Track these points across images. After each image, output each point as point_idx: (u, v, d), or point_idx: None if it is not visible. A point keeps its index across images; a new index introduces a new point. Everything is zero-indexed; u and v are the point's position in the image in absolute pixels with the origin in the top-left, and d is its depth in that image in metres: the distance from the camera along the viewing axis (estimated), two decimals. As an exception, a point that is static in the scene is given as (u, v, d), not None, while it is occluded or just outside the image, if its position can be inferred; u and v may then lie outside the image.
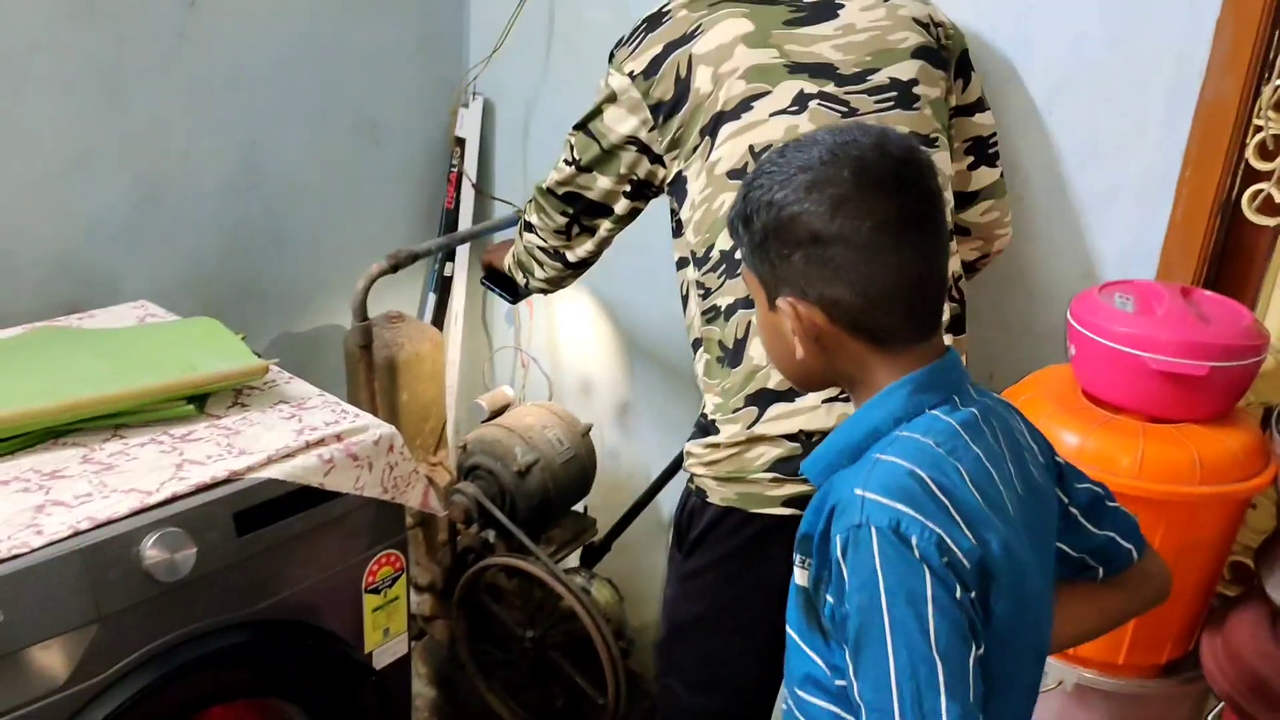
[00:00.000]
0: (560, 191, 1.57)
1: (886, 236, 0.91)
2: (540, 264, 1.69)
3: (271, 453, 1.31)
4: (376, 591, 1.45)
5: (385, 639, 1.49)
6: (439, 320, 2.44)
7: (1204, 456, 1.29)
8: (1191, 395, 1.33)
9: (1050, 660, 1.41)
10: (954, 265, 1.43)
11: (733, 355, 1.35)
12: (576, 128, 1.51)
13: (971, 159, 1.52)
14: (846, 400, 1.28)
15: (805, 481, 1.28)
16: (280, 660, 1.34)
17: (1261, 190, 1.45)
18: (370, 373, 2.00)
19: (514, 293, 1.90)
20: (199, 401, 1.40)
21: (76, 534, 1.14)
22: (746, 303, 1.33)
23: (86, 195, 1.85)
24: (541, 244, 1.65)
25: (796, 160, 0.94)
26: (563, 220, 1.59)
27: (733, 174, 1.35)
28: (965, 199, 1.53)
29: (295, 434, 1.36)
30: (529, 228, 1.67)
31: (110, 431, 1.34)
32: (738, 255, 1.33)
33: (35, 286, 1.82)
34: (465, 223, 2.38)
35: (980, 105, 1.52)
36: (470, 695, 2.21)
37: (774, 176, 0.94)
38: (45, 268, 1.83)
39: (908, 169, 0.93)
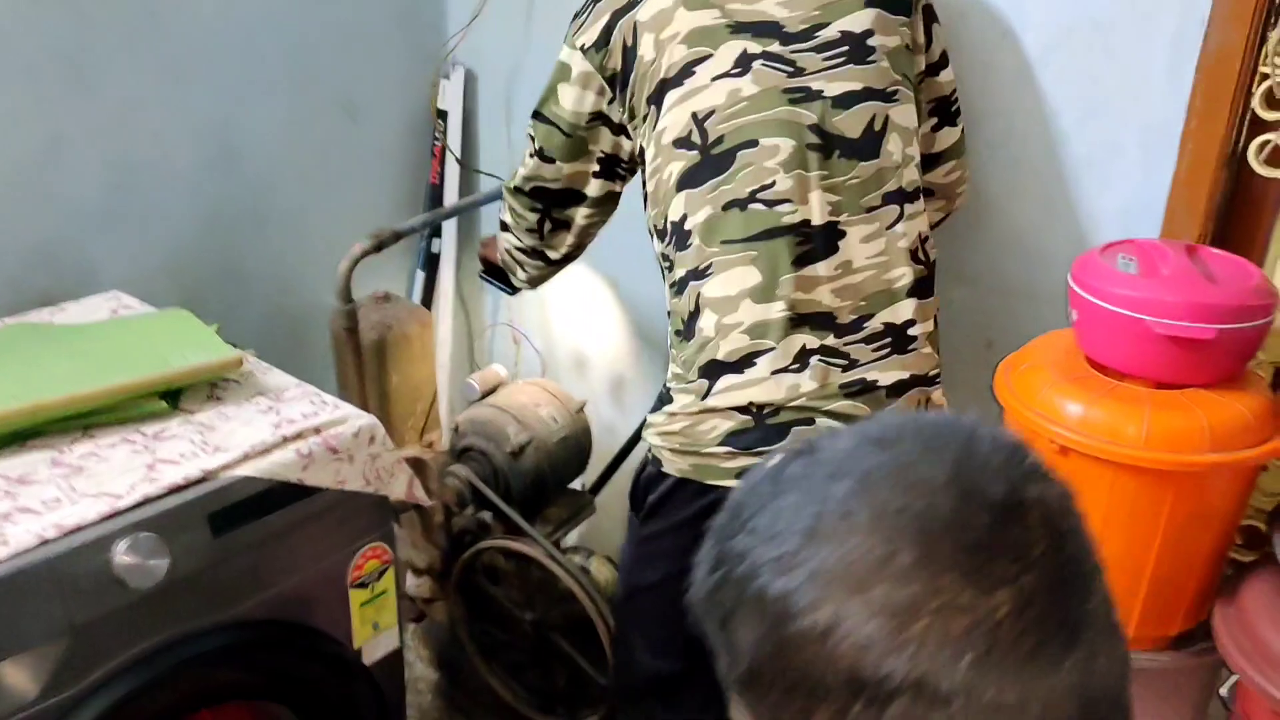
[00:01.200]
0: (527, 187, 1.51)
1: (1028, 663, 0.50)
2: (520, 264, 1.65)
3: (247, 449, 1.27)
4: (363, 586, 1.42)
5: (375, 633, 1.46)
6: (428, 298, 2.40)
7: (1213, 423, 1.24)
8: (1199, 359, 1.28)
9: (1058, 636, 1.38)
10: (922, 226, 1.38)
11: (687, 327, 1.33)
12: (534, 115, 1.46)
13: (935, 120, 1.47)
14: (798, 371, 1.27)
15: (758, 454, 1.27)
16: (266, 661, 1.31)
17: (1269, 141, 1.39)
18: (358, 355, 1.97)
19: (513, 285, 1.85)
20: (172, 397, 1.36)
21: (44, 543, 1.10)
22: (697, 274, 1.31)
23: (57, 183, 1.80)
24: (518, 244, 1.61)
25: (807, 512, 0.53)
26: (534, 217, 1.54)
27: (678, 143, 1.32)
28: (929, 160, 1.48)
29: (272, 428, 1.32)
30: (504, 227, 1.62)
31: (80, 432, 1.30)
32: (686, 226, 1.31)
33: (9, 279, 1.76)
34: (451, 198, 2.32)
35: (944, 62, 1.46)
36: (473, 676, 2.19)
37: (768, 544, 0.54)
38: (18, 259, 1.78)
39: (1030, 529, 0.53)
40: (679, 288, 1.34)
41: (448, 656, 2.30)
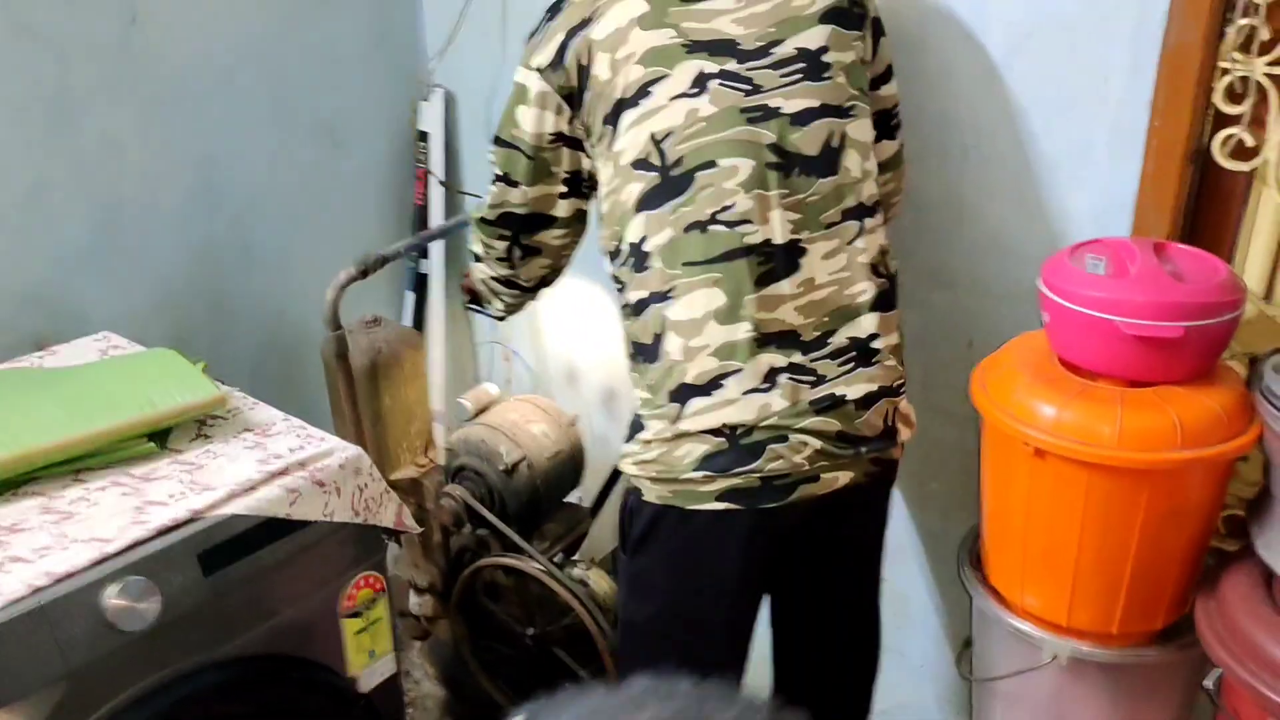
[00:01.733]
0: (493, 215, 1.51)
1: None
2: (496, 294, 1.66)
3: (234, 487, 1.29)
4: (357, 615, 1.43)
5: (371, 660, 1.48)
6: (419, 319, 2.41)
7: (1185, 420, 1.26)
8: (1169, 357, 1.29)
9: (1042, 634, 1.40)
10: (881, 240, 1.39)
11: (650, 351, 1.33)
12: (495, 142, 1.46)
13: (875, 133, 1.46)
14: (767, 390, 1.28)
15: (737, 476, 1.28)
16: (262, 695, 1.33)
17: (1232, 135, 1.40)
18: (349, 381, 1.97)
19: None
20: (160, 437, 1.38)
21: (36, 591, 1.12)
22: (659, 297, 1.31)
23: (43, 226, 1.82)
24: (492, 274, 1.61)
25: None
26: (503, 245, 1.54)
27: (636, 164, 1.32)
28: None
29: (258, 464, 1.33)
30: (476, 258, 1.62)
31: (71, 477, 1.32)
32: (645, 248, 1.32)
33: (0, 323, 1.79)
34: (436, 219, 2.34)
35: (887, 76, 1.47)
36: (478, 692, 2.21)
37: None
38: (8, 303, 1.80)
39: None
40: (637, 309, 1.34)
41: (452, 673, 2.31)
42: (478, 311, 1.90)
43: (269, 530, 1.29)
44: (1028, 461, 1.33)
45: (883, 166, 1.49)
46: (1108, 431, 1.26)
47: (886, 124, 1.47)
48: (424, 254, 2.38)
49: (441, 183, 2.31)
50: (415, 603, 2.16)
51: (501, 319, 1.88)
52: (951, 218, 1.67)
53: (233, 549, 1.26)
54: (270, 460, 1.34)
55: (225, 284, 2.11)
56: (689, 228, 1.30)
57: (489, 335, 2.49)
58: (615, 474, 2.11)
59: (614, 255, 1.38)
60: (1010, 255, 1.64)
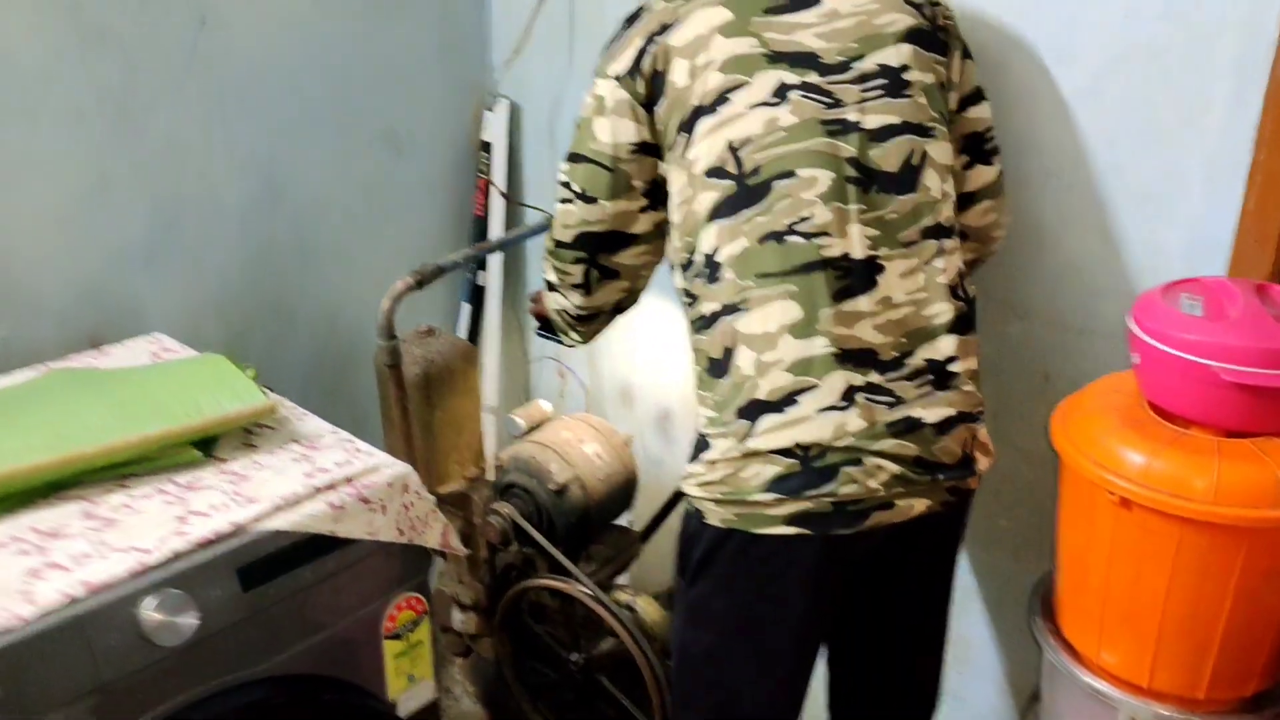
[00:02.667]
0: (568, 237, 1.44)
1: None
2: (571, 326, 1.59)
3: (278, 501, 1.25)
4: (398, 638, 1.39)
5: (410, 685, 1.43)
6: (474, 331, 2.38)
7: (1287, 475, 1.17)
8: (1271, 406, 1.21)
9: (1120, 695, 1.32)
10: (959, 263, 1.33)
11: (719, 366, 1.28)
12: (570, 159, 1.41)
13: (966, 158, 1.41)
14: (844, 409, 1.22)
15: (809, 499, 1.22)
16: (297, 716, 1.29)
17: (1344, 172, 1.31)
18: (401, 391, 1.94)
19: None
20: (206, 446, 1.35)
21: (72, 602, 1.09)
22: (731, 309, 1.26)
23: (105, 223, 1.81)
24: (565, 304, 1.54)
25: None
26: (579, 270, 1.46)
27: (711, 172, 1.28)
28: (961, 200, 1.42)
29: (304, 478, 1.30)
30: (550, 287, 1.56)
31: (115, 482, 1.29)
32: (718, 258, 1.27)
33: (57, 318, 1.78)
34: (495, 231, 2.31)
35: (975, 98, 1.41)
36: (520, 715, 2.16)
37: None
38: (67, 299, 1.79)
39: None
40: (707, 323, 1.30)
41: (493, 693, 2.27)
42: (548, 337, 1.85)
43: (311, 547, 1.25)
44: (1112, 511, 1.25)
45: (981, 194, 1.43)
46: (1202, 484, 1.18)
47: (980, 148, 1.42)
48: (482, 266, 2.34)
49: (503, 194, 2.28)
50: (459, 619, 2.12)
51: (571, 346, 1.83)
52: (1030, 246, 1.60)
53: (273, 565, 1.23)
54: (316, 474, 1.31)
55: (281, 288, 2.09)
56: (765, 238, 1.25)
57: (544, 352, 2.45)
58: (672, 499, 2.06)
59: (685, 267, 1.34)
60: (1091, 289, 1.57)
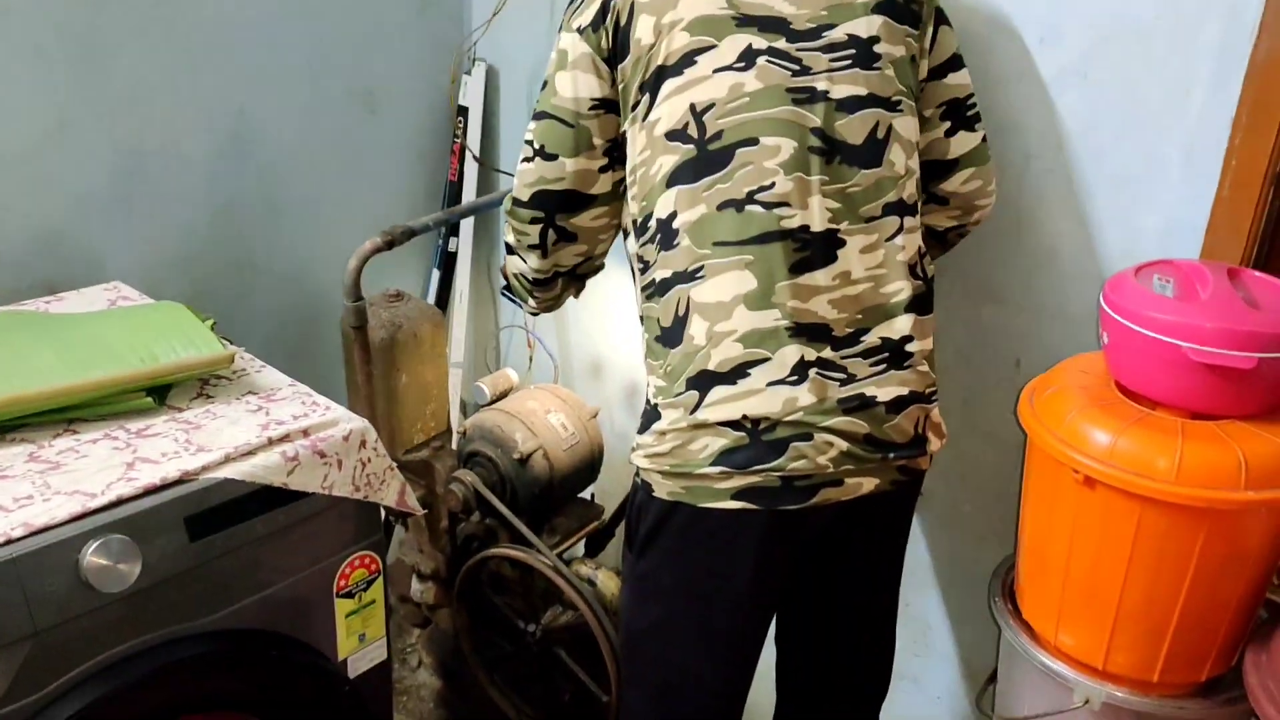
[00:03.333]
0: (527, 195, 1.40)
1: None
2: (529, 291, 1.56)
3: (230, 450, 1.22)
4: (350, 596, 1.36)
5: (361, 645, 1.40)
6: (443, 297, 2.35)
7: (1250, 458, 1.16)
8: (1237, 389, 1.20)
9: (1075, 676, 1.31)
10: (920, 242, 1.32)
11: (670, 334, 1.26)
12: (534, 117, 1.38)
13: (949, 124, 1.39)
14: (795, 384, 1.20)
15: (756, 473, 1.20)
16: (243, 672, 1.26)
17: (1320, 160, 1.31)
18: (366, 354, 1.91)
19: None
20: (159, 393, 1.31)
21: (8, 542, 1.05)
22: (685, 277, 1.24)
23: (65, 168, 1.76)
24: (523, 266, 1.50)
25: None
26: (536, 230, 1.43)
27: (672, 135, 1.25)
28: (944, 167, 1.40)
29: (259, 429, 1.27)
30: (509, 249, 1.53)
31: (63, 426, 1.25)
32: (675, 224, 1.24)
33: (12, 265, 1.73)
34: (469, 196, 2.27)
35: (954, 64, 1.38)
36: (477, 686, 2.14)
37: None
38: (23, 245, 1.74)
39: None
40: (659, 290, 1.27)
41: (450, 664, 2.25)
42: (512, 299, 1.82)
43: (263, 499, 1.22)
44: (1075, 490, 1.24)
45: (964, 161, 1.41)
46: (1165, 464, 1.17)
47: (961, 114, 1.39)
48: (453, 231, 2.31)
49: (476, 159, 2.24)
50: (418, 589, 2.10)
51: (535, 314, 1.81)
52: (1007, 229, 1.59)
53: (223, 515, 1.20)
54: (271, 425, 1.28)
55: (247, 244, 2.05)
56: (723, 205, 1.23)
57: (514, 321, 2.42)
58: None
59: (639, 231, 1.31)
60: (1067, 273, 1.56)
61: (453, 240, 2.32)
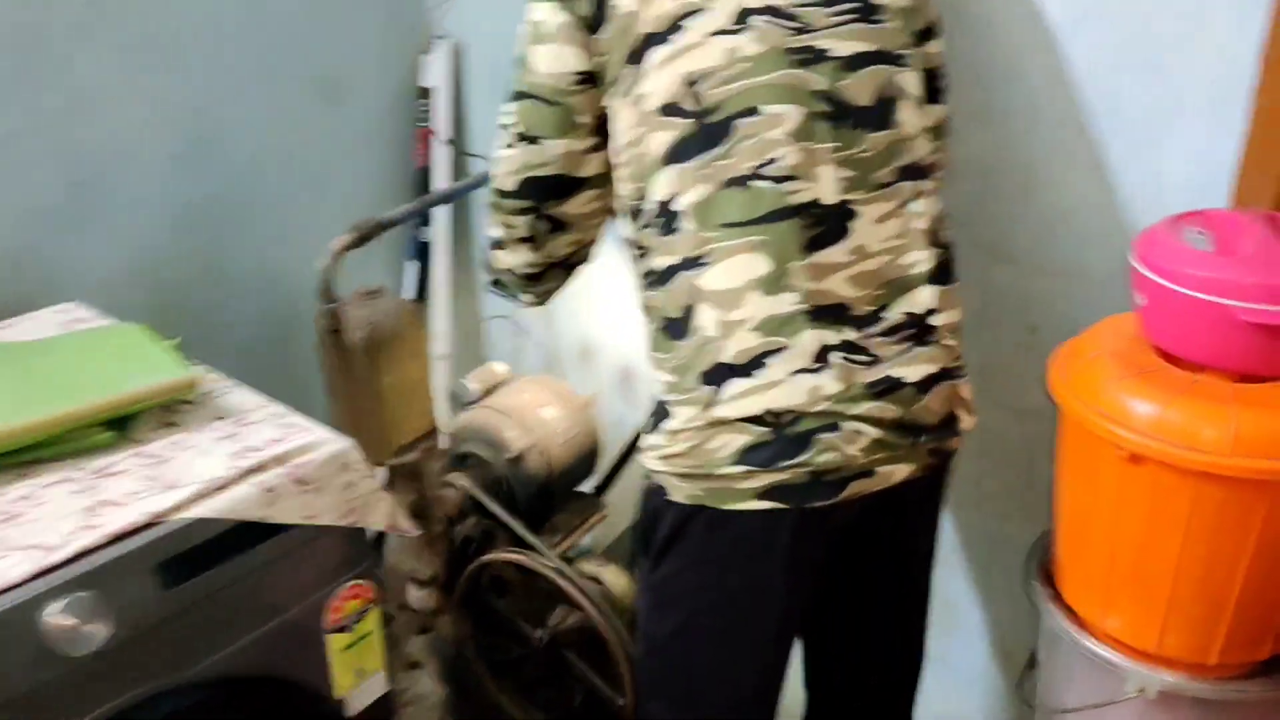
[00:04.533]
0: (512, 185, 1.30)
1: None
2: (521, 286, 1.46)
3: (201, 486, 1.11)
4: (344, 630, 1.27)
5: (359, 680, 1.31)
6: (422, 291, 2.24)
7: (1311, 422, 1.08)
8: (1289, 348, 1.11)
9: (1127, 663, 1.23)
10: (938, 205, 1.22)
11: (677, 326, 1.17)
12: (510, 99, 1.28)
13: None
14: (818, 371, 1.12)
15: (783, 470, 1.12)
16: (230, 723, 1.16)
17: (1358, 92, 1.21)
18: (344, 357, 1.82)
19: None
20: (120, 425, 1.20)
21: (-41, 610, 0.95)
22: (691, 264, 1.14)
23: (10, 184, 1.64)
24: (513, 262, 1.40)
25: None
26: (524, 221, 1.33)
27: (665, 109, 1.15)
28: None
29: (231, 458, 1.16)
30: (496, 245, 1.43)
31: (15, 471, 1.15)
32: (675, 207, 1.15)
33: (-38, 291, 1.62)
34: (440, 182, 2.16)
35: (935, 30, 1.28)
36: (484, 691, 2.06)
37: None
38: (-35, 269, 1.63)
39: None
40: (661, 279, 1.18)
41: (455, 671, 2.17)
42: (502, 295, 1.70)
43: (241, 536, 1.12)
44: (1119, 467, 1.15)
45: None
46: (1217, 434, 1.09)
47: (935, 85, 1.28)
48: (426, 221, 2.20)
49: (448, 142, 2.13)
50: (416, 596, 2.01)
51: (530, 306, 1.70)
52: (1016, 185, 1.49)
53: (198, 558, 1.09)
54: (245, 454, 1.17)
55: (212, 250, 1.94)
56: (728, 184, 1.13)
57: (498, 310, 2.31)
58: (626, 451, 1.96)
59: (637, 215, 1.21)
60: (1083, 230, 1.46)
61: (426, 230, 2.21)
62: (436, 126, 2.12)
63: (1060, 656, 1.34)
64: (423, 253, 2.22)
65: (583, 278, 2.05)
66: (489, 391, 1.99)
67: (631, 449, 1.95)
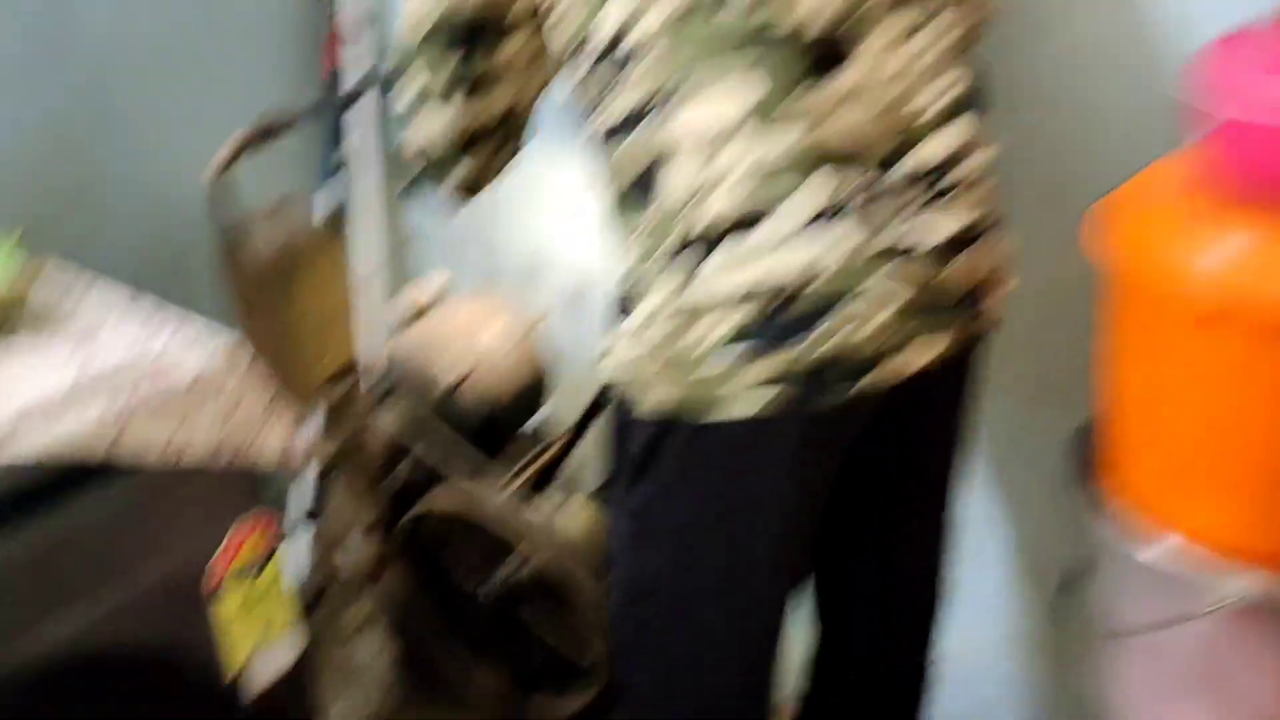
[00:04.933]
0: (423, 33, 1.10)
1: None
2: (443, 163, 1.25)
3: (31, 413, 0.88)
4: (240, 578, 1.05)
5: (262, 642, 1.11)
6: (340, 205, 2.03)
7: None
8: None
9: (1203, 574, 1.05)
10: (970, 20, 1.07)
11: (641, 189, 1.00)
12: None
13: None
14: (820, 235, 0.95)
15: (780, 360, 0.95)
16: (81, 713, 0.93)
17: None
18: (251, 284, 1.62)
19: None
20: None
21: None
22: (655, 107, 0.98)
23: None
24: (435, 133, 1.20)
25: None
26: (441, 78, 1.13)
27: None
28: None
29: (75, 373, 0.94)
30: (408, 116, 1.23)
31: None
32: (630, 40, 0.97)
33: None
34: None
35: None
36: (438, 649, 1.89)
37: None
38: None
39: None
40: (618, 132, 1.00)
41: (405, 624, 2.01)
42: (422, 191, 1.54)
43: (83, 476, 0.92)
44: (1190, 332, 0.97)
45: None
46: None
47: None
48: (339, 138, 1.98)
49: (361, 41, 1.91)
50: (358, 544, 1.85)
51: (450, 202, 1.45)
52: (1031, 22, 1.33)
53: (26, 505, 0.88)
54: (92, 369, 0.95)
55: (80, 166, 1.73)
56: (694, 4, 0.95)
57: (427, 221, 2.13)
58: (603, 391, 1.79)
59: (574, 59, 1.03)
60: (1110, 66, 1.30)
61: (340, 152, 1.99)
62: (345, 20, 1.90)
63: (1112, 569, 1.15)
64: (337, 170, 2.01)
65: (528, 180, 1.86)
66: (418, 315, 1.83)
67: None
